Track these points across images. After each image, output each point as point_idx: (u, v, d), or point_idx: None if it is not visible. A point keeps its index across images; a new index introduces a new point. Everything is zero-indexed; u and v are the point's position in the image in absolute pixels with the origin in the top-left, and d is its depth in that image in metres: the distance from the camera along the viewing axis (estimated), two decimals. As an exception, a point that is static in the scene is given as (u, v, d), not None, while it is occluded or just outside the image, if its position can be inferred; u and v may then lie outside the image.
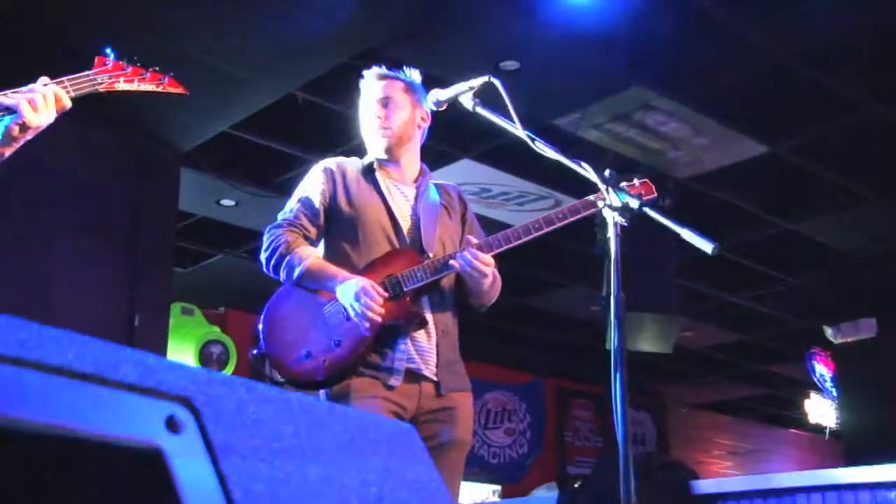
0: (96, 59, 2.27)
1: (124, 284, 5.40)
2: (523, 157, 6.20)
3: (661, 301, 6.25)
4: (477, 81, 2.65)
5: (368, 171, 2.89)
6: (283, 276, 2.75)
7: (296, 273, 2.71)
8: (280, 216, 2.86)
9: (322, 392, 2.66)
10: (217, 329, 8.23)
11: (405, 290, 2.68)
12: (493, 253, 2.74)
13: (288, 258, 2.73)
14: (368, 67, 3.04)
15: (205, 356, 7.86)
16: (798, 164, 6.39)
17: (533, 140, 2.53)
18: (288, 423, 0.74)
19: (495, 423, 10.51)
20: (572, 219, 2.77)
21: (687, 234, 2.30)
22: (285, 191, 6.64)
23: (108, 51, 2.27)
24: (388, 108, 2.90)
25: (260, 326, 2.74)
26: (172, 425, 0.65)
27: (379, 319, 2.60)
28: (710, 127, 5.95)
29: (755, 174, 6.54)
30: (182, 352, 7.73)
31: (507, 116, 2.56)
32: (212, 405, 0.68)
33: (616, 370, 2.16)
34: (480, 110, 2.65)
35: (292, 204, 2.86)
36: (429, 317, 2.74)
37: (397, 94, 2.92)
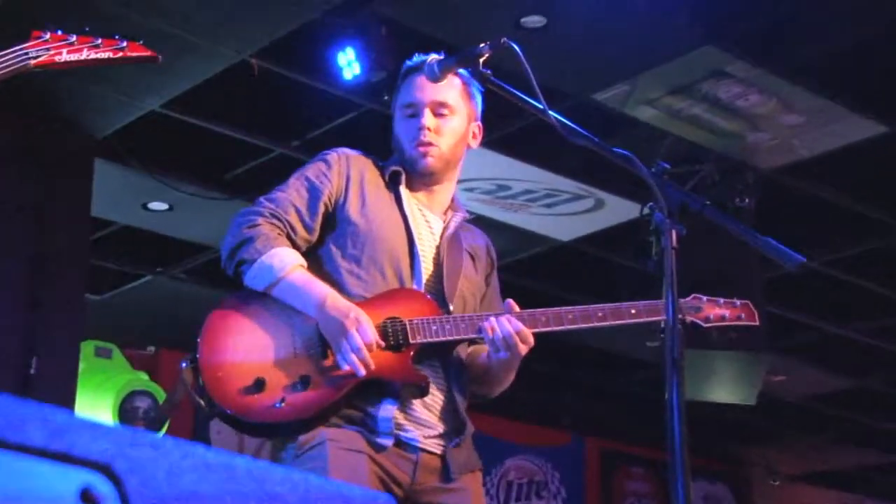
0: (32, 32, 2.35)
1: (18, 317, 5.44)
2: (552, 143, 6.24)
3: (741, 334, 6.27)
4: (488, 46, 2.69)
5: (392, 181, 2.91)
6: (248, 279, 2.73)
7: (268, 281, 2.70)
8: (264, 199, 2.82)
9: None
10: (144, 376, 8.27)
11: (411, 341, 2.70)
12: (536, 331, 2.75)
13: (262, 259, 2.69)
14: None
15: (127, 412, 7.89)
16: (925, 149, 6.41)
17: (562, 124, 2.58)
18: (233, 494, 0.78)
19: (519, 499, 10.53)
20: (648, 319, 2.83)
21: (765, 247, 2.36)
22: (237, 190, 6.71)
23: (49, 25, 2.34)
24: (441, 119, 2.89)
25: (202, 330, 2.72)
26: (88, 499, 0.69)
27: (363, 371, 2.61)
28: (806, 100, 5.97)
29: (867, 163, 6.56)
30: (96, 406, 7.77)
31: (530, 92, 2.61)
32: (137, 473, 0.73)
33: (673, 428, 2.18)
34: (493, 85, 2.70)
35: (285, 190, 2.84)
36: (441, 384, 2.77)
37: (456, 100, 2.91)
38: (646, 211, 6.03)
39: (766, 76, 5.75)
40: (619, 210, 7.03)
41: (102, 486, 0.72)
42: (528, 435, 10.67)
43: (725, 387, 6.62)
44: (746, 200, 6.37)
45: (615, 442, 11.23)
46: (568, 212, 7.13)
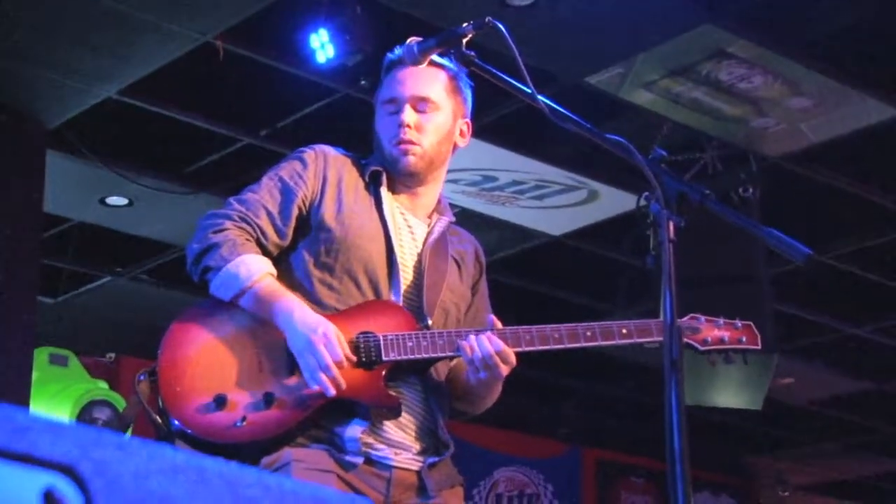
0: None
1: (-33, 322, 5.44)
2: (542, 130, 6.27)
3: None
4: (471, 26, 2.71)
5: (372, 182, 2.92)
6: (214, 288, 2.75)
7: (234, 291, 2.72)
8: (234, 201, 2.84)
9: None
10: (103, 385, 8.26)
11: (383, 359, 2.72)
12: (519, 350, 2.77)
13: (228, 267, 2.71)
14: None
15: (86, 423, 7.89)
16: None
17: (552, 110, 2.60)
18: (203, 497, 0.80)
19: (510, 514, 10.55)
20: (639, 340, 2.86)
21: (770, 239, 2.38)
22: (201, 183, 6.70)
23: None
24: (423, 116, 2.89)
25: (162, 341, 2.73)
26: (52, 501, 0.71)
27: (333, 391, 2.62)
28: (814, 82, 6.00)
29: (881, 149, 6.60)
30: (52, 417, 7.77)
31: (517, 75, 2.63)
32: (103, 475, 0.75)
33: (672, 434, 2.21)
34: (477, 68, 2.72)
35: (257, 191, 2.85)
36: (418, 402, 2.80)
37: (439, 94, 2.91)
38: (642, 202, 6.06)
39: (771, 56, 5.77)
40: (613, 202, 7.05)
41: (66, 488, 0.74)
42: (518, 445, 10.69)
43: (729, 391, 6.65)
44: (751, 190, 6.39)
45: (613, 452, 11.25)
46: (559, 204, 7.14)
